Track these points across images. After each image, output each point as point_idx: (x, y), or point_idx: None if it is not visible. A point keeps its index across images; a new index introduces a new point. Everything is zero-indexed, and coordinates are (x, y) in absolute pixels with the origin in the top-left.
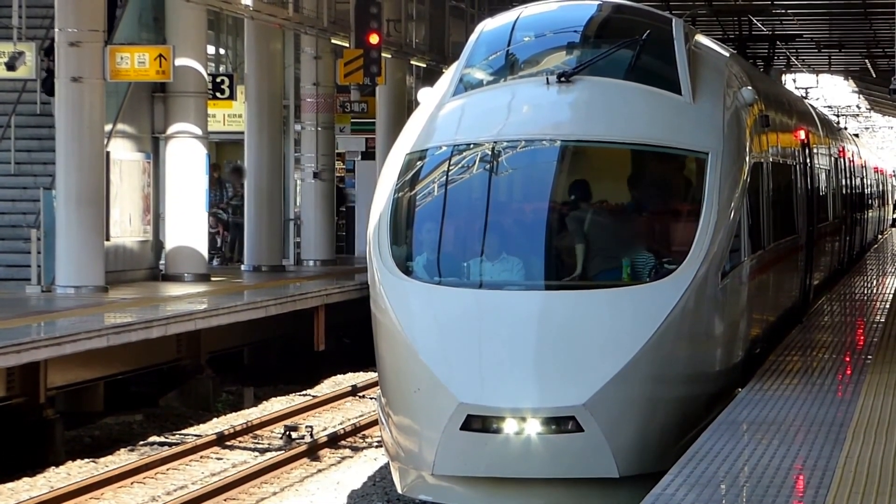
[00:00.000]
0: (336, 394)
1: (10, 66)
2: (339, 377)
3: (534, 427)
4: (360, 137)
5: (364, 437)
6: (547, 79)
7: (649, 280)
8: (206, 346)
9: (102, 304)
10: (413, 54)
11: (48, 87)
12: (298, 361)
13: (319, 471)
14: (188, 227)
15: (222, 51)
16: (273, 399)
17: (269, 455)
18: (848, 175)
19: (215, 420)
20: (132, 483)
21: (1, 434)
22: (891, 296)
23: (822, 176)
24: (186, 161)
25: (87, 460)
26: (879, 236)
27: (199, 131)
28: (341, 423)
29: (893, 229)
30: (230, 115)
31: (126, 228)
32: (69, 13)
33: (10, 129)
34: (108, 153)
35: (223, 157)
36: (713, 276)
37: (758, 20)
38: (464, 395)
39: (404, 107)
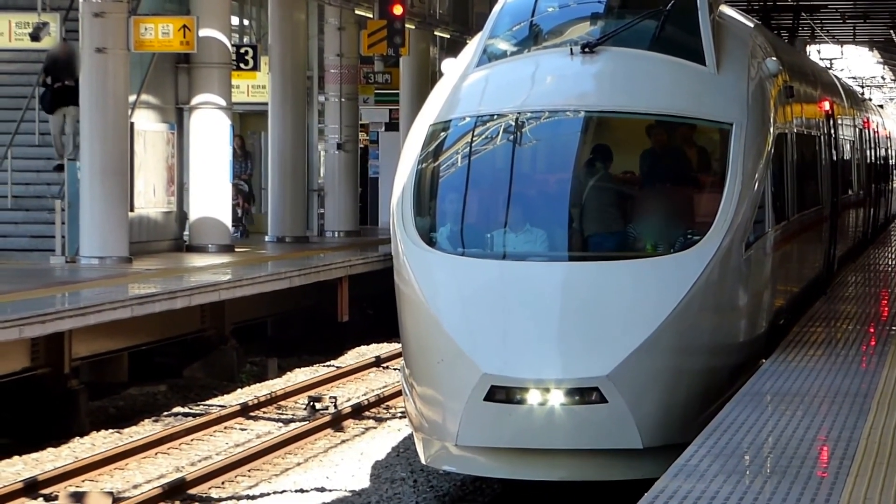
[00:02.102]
0: (360, 365)
1: (35, 37)
2: (363, 348)
3: (557, 398)
4: (384, 108)
5: (388, 407)
6: (571, 49)
7: (673, 251)
8: (230, 317)
9: (126, 274)
10: (437, 25)
11: (45, 103)
12: (322, 332)
13: (343, 441)
14: (212, 198)
15: (246, 21)
16: (297, 370)
17: (293, 426)
18: (872, 146)
19: (239, 391)
20: (156, 454)
21: (26, 405)
22: None
23: (847, 147)
24: (210, 132)
25: (111, 431)
26: None
27: (223, 102)
28: (365, 394)
29: None
30: (254, 86)
31: (150, 199)
32: None
33: (34, 99)
34: (132, 124)
35: (247, 128)
36: (737, 247)
37: None
38: (487, 365)
39: (428, 78)
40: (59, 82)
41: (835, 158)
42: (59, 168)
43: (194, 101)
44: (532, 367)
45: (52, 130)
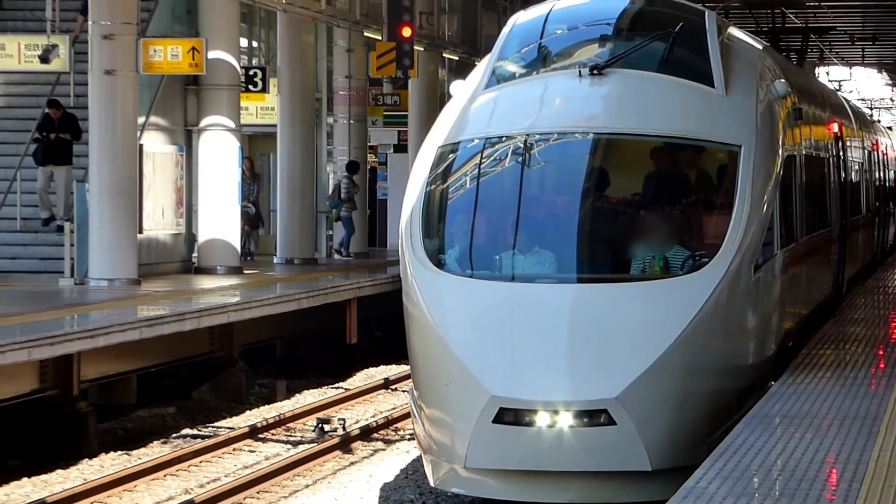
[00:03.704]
0: (368, 386)
1: (44, 59)
2: (372, 370)
3: (566, 420)
4: (393, 130)
5: (396, 429)
6: (579, 71)
7: (682, 273)
8: (238, 338)
9: (135, 296)
10: (445, 47)
11: (37, 157)
12: (331, 354)
13: (352, 463)
14: (221, 220)
15: (255, 44)
16: (305, 392)
17: (301, 448)
18: (881, 168)
19: (248, 413)
20: (165, 476)
21: (34, 426)
22: None
23: (855, 169)
24: (219, 154)
25: (120, 453)
26: None
27: (231, 124)
28: (374, 416)
29: None
30: (263, 108)
31: (159, 221)
32: (102, 6)
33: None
34: (141, 146)
35: (256, 149)
36: (746, 270)
37: (791, 13)
38: (496, 387)
39: (437, 99)
40: (56, 135)
41: (843, 180)
42: (47, 222)
43: (203, 122)
44: (541, 390)
45: (38, 184)
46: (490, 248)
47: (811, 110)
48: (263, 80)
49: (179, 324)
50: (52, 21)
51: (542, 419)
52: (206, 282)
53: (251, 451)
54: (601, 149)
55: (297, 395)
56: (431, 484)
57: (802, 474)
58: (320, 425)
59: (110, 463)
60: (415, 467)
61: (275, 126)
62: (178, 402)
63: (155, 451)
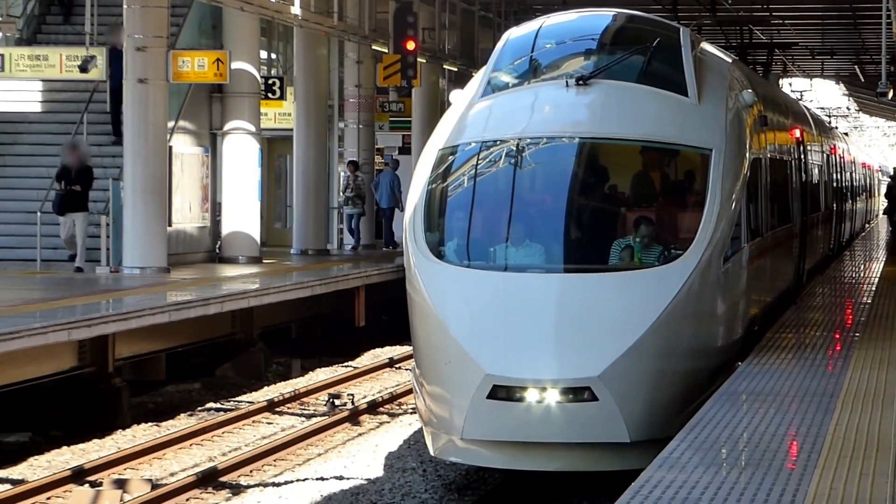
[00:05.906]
0: (375, 365)
1: (83, 69)
2: (378, 350)
3: (553, 396)
4: (398, 134)
5: (400, 404)
6: (567, 82)
7: (658, 264)
8: (258, 321)
9: (165, 283)
10: (446, 59)
11: (55, 206)
12: (341, 336)
13: (360, 434)
14: (242, 215)
15: (274, 55)
16: (318, 370)
17: (314, 420)
18: (838, 170)
19: (266, 388)
20: (191, 445)
21: (73, 400)
22: (876, 279)
23: (815, 171)
24: (241, 155)
25: (150, 424)
26: (866, 225)
27: (252, 128)
28: (379, 392)
29: (880, 218)
30: (280, 114)
31: (186, 215)
32: (137, 21)
33: (83, 125)
34: (170, 147)
35: (274, 151)
36: (716, 261)
37: (757, 30)
38: (490, 367)
39: (437, 107)
40: (69, 187)
41: (804, 181)
42: (77, 269)
43: (227, 126)
44: (530, 369)
45: (62, 234)
46: (485, 241)
47: (775, 118)
48: (281, 88)
49: (204, 308)
50: (90, 34)
51: (531, 395)
52: (229, 270)
53: (269, 423)
54: (586, 152)
55: (311, 372)
56: (431, 453)
57: (766, 446)
58: (331, 400)
59: (142, 433)
60: (416, 438)
61: (291, 130)
62: (203, 379)
63: (182, 423)
